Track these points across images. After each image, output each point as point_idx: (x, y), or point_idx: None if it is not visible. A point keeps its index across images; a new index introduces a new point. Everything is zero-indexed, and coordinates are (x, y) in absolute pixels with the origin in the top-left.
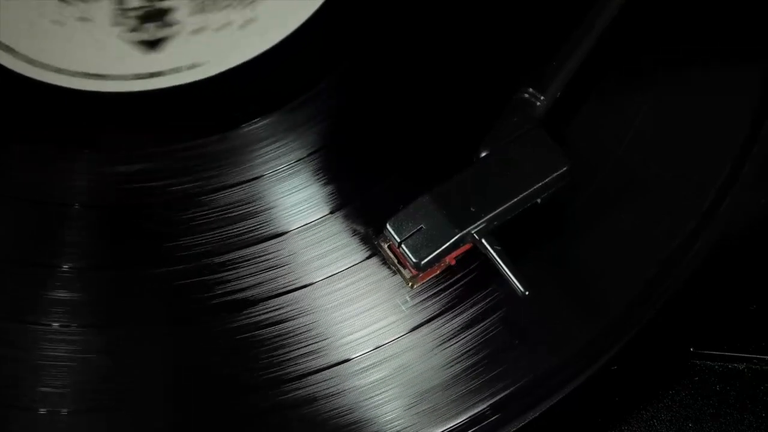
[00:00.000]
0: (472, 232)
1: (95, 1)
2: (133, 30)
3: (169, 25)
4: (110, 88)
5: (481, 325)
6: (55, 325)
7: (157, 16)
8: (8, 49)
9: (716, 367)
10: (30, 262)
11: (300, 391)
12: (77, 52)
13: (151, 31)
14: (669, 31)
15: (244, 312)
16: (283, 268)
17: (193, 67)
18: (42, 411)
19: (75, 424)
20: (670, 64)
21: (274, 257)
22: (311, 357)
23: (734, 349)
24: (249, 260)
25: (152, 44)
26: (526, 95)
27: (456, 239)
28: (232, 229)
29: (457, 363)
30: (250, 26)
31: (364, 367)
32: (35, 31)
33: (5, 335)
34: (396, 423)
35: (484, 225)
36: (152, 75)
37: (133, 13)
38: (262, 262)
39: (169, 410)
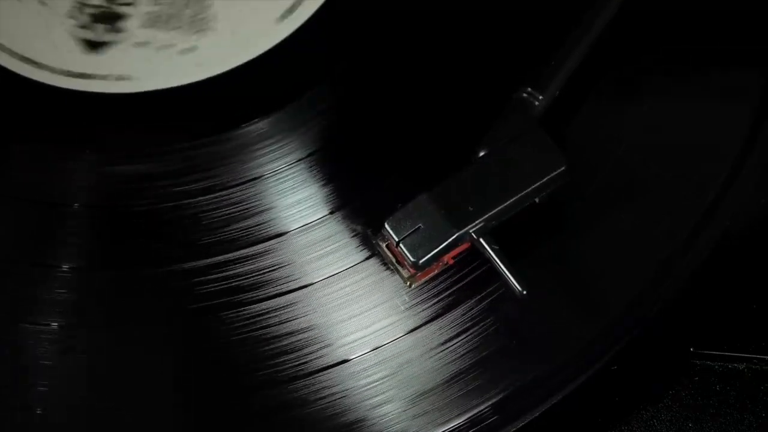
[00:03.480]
0: (470, 231)
1: None
2: (83, 27)
3: (118, 31)
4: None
5: (481, 325)
6: (55, 325)
7: (110, 19)
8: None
9: (716, 367)
10: (30, 262)
11: (299, 392)
12: (26, 34)
13: (98, 32)
14: (669, 31)
15: (244, 312)
16: (283, 268)
17: (121, 79)
18: (41, 411)
19: (75, 424)
20: (670, 64)
21: (274, 257)
22: (311, 357)
23: (734, 349)
24: (249, 260)
25: (94, 45)
26: (525, 95)
27: (454, 239)
28: (232, 229)
29: (456, 364)
30: (190, 54)
31: (363, 368)
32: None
33: (5, 335)
34: (395, 424)
35: (482, 224)
36: (83, 76)
37: (88, 11)
38: (262, 262)
39: (168, 410)
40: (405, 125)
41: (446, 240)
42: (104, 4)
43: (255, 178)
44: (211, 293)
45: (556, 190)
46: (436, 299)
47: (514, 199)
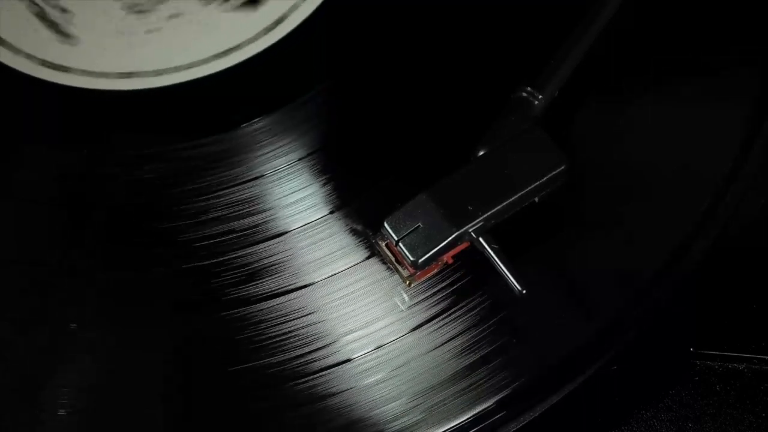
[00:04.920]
0: (470, 230)
1: None
2: None
3: None
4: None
5: (481, 325)
6: (56, 324)
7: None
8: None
9: (716, 367)
10: (30, 262)
11: (302, 392)
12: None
13: None
14: (668, 30)
15: (245, 312)
16: (283, 268)
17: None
18: (41, 411)
19: (75, 424)
20: (669, 64)
21: (274, 257)
22: (312, 357)
23: (734, 349)
24: (249, 260)
25: None
26: (524, 94)
27: (453, 238)
28: (233, 229)
29: (456, 363)
30: None
31: (365, 367)
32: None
33: (5, 335)
34: (397, 422)
35: (481, 223)
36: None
37: None
38: (262, 262)
39: (169, 410)
40: (405, 125)
41: (445, 239)
42: None
43: (255, 178)
44: (212, 293)
45: (555, 190)
46: (436, 299)
47: (513, 198)
